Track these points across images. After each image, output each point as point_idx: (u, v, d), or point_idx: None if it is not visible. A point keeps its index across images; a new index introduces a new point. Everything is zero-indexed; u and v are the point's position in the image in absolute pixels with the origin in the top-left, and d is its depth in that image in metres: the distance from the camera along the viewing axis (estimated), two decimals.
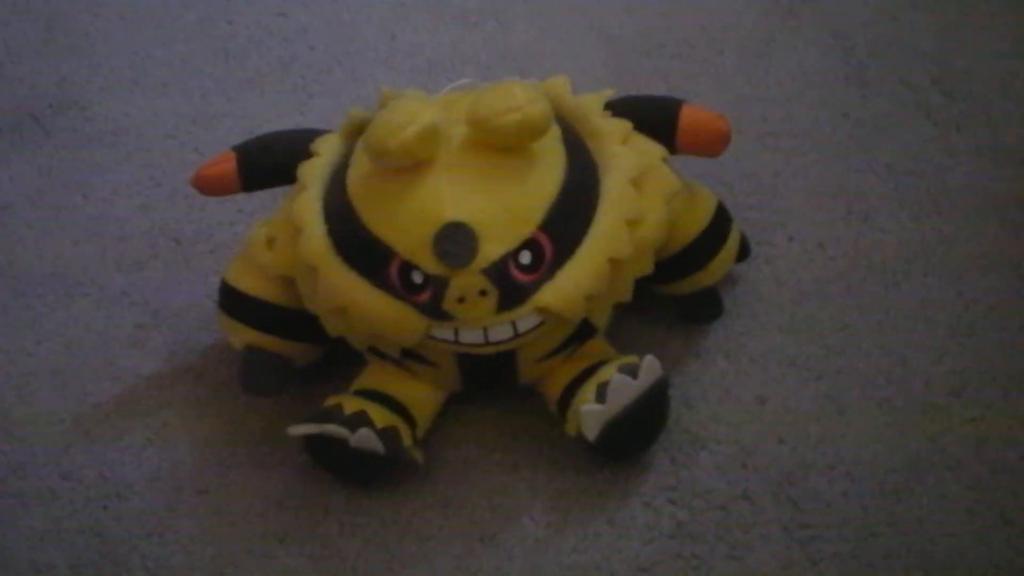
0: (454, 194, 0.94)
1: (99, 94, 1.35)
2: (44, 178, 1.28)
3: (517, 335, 0.96)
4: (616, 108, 1.03)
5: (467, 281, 0.93)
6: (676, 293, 1.08)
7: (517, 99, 0.94)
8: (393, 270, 0.95)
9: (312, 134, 1.06)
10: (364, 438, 0.97)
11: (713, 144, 1.04)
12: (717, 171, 1.17)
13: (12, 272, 1.20)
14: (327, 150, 1.03)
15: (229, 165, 1.06)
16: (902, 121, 1.25)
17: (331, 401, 1.01)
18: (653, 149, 1.02)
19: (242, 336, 1.04)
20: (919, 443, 1.02)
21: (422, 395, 1.02)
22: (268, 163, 1.06)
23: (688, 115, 1.04)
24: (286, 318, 1.03)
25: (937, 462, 1.00)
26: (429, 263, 0.93)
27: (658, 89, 1.29)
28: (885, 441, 1.02)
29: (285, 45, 1.39)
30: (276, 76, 1.35)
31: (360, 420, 0.98)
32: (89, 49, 1.40)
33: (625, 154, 0.99)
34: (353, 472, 1.01)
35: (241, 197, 1.17)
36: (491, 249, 0.93)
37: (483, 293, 0.93)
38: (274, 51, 1.38)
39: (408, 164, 0.94)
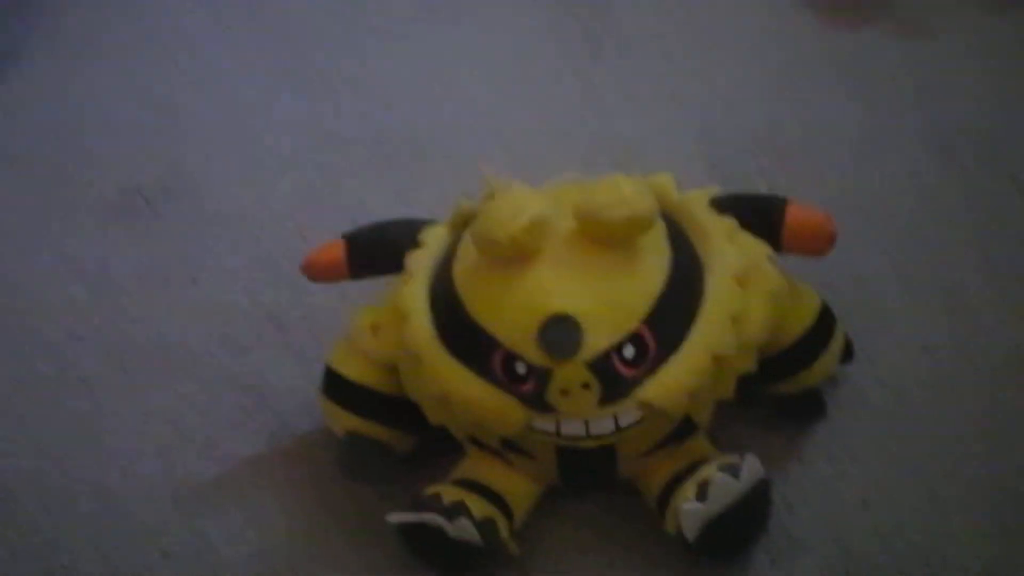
0: (560, 286, 0.94)
1: (208, 178, 1.38)
2: (153, 258, 1.31)
3: (618, 429, 0.95)
4: (721, 205, 1.04)
5: (571, 373, 0.93)
6: (779, 393, 1.07)
7: (624, 194, 0.94)
8: (496, 360, 0.95)
9: (420, 224, 1.07)
10: (462, 528, 0.97)
11: (819, 244, 1.04)
12: (819, 270, 1.16)
13: (119, 349, 1.22)
14: (434, 240, 1.05)
15: (338, 252, 1.08)
16: (1010, 222, 1.23)
17: (430, 490, 1.01)
18: (758, 247, 1.02)
19: (344, 422, 1.05)
20: None
21: (520, 487, 1.02)
22: (377, 251, 1.08)
23: (794, 214, 1.03)
24: (388, 405, 1.03)
25: None
26: (533, 354, 0.94)
27: (759, 186, 1.29)
28: (993, 547, 0.99)
29: (390, 135, 1.41)
30: (381, 166, 1.38)
31: (459, 510, 0.98)
32: (199, 134, 1.44)
33: (730, 251, 0.99)
34: (449, 562, 1.00)
35: (344, 284, 1.18)
36: (596, 342, 0.93)
37: (586, 386, 0.93)
38: (379, 141, 1.40)
39: (515, 255, 0.95)
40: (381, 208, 1.32)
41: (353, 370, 1.04)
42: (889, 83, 1.40)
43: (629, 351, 0.94)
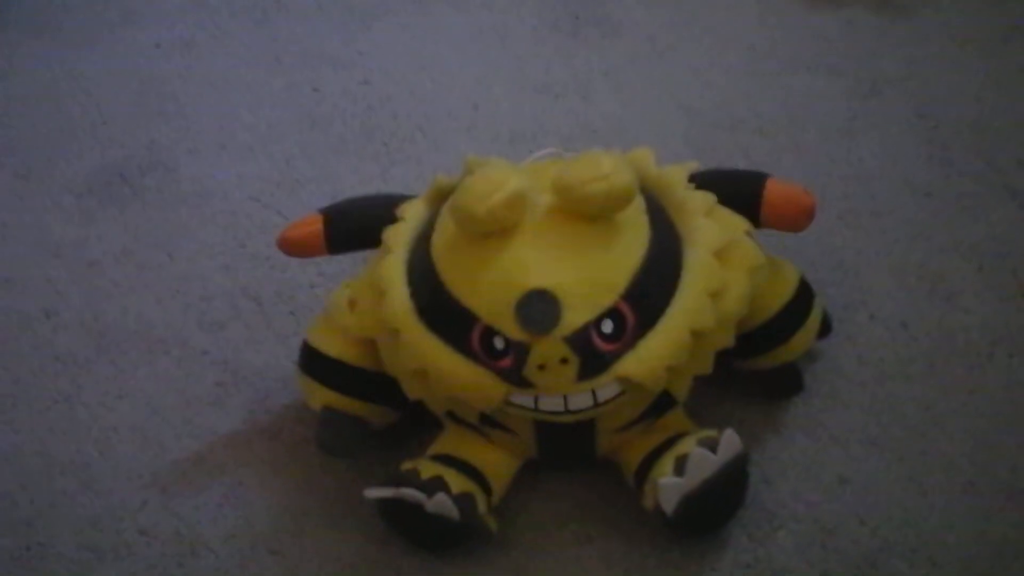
0: (538, 261, 0.94)
1: (187, 156, 1.38)
2: (130, 236, 1.30)
3: (597, 404, 0.95)
4: (700, 180, 1.03)
5: (549, 348, 0.93)
6: (757, 368, 1.07)
7: (603, 168, 0.94)
8: (475, 335, 0.95)
9: (397, 199, 1.07)
10: (440, 503, 0.97)
11: (798, 219, 1.04)
12: (799, 247, 1.17)
13: (97, 328, 1.22)
14: (412, 215, 1.04)
15: (315, 227, 1.07)
16: (987, 202, 1.24)
17: (407, 465, 1.00)
18: (737, 222, 1.01)
19: (321, 397, 1.04)
20: (1005, 529, 0.99)
21: (498, 462, 1.02)
22: (354, 226, 1.07)
23: (773, 189, 1.03)
24: (365, 380, 1.03)
25: None
26: (511, 329, 0.93)
27: (739, 164, 1.29)
28: (969, 526, 1.00)
29: (369, 113, 1.41)
30: (359, 143, 1.37)
31: (436, 485, 0.97)
32: (178, 113, 1.43)
33: (709, 226, 0.99)
34: (427, 537, 1.00)
35: (321, 260, 1.19)
36: (574, 317, 0.93)
37: (564, 361, 0.93)
38: (358, 118, 1.40)
39: (494, 230, 0.95)
40: (360, 186, 1.32)
41: (331, 345, 1.04)
42: (872, 63, 1.40)
43: (608, 326, 0.94)
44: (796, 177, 1.25)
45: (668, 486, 0.95)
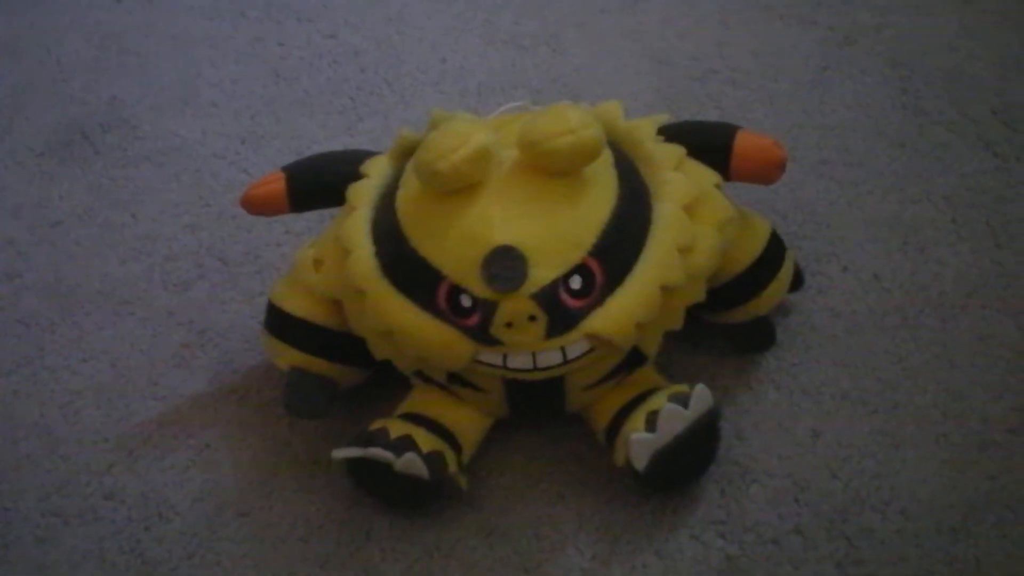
0: (504, 217, 0.93)
1: (149, 113, 1.35)
2: (93, 196, 1.28)
3: (566, 361, 0.94)
4: (670, 133, 1.02)
5: (516, 306, 0.92)
6: (728, 322, 1.06)
7: (570, 122, 0.92)
8: (441, 293, 0.94)
9: (362, 155, 1.05)
10: (409, 463, 0.96)
11: (768, 171, 1.02)
12: (770, 199, 1.16)
13: (60, 289, 1.20)
14: (377, 172, 1.02)
15: (278, 185, 1.05)
16: (961, 152, 1.23)
17: (376, 424, 0.99)
18: (707, 175, 1.00)
19: (287, 357, 1.03)
20: (977, 481, 0.99)
21: (468, 420, 1.01)
22: (317, 184, 1.05)
23: (743, 141, 1.02)
24: (332, 340, 1.02)
25: (997, 501, 0.97)
26: (478, 287, 0.92)
27: (711, 116, 1.28)
28: (942, 478, 1.00)
29: (335, 67, 1.38)
30: (326, 98, 1.35)
31: (405, 444, 0.96)
32: (141, 68, 1.40)
33: (678, 180, 0.98)
34: (397, 497, 0.99)
35: (288, 218, 1.17)
36: (541, 274, 0.92)
37: (532, 318, 0.92)
38: (324, 73, 1.38)
39: (458, 186, 0.93)
40: (326, 141, 1.30)
41: (296, 305, 1.02)
42: (845, 12, 1.38)
43: (576, 282, 0.93)
44: (769, 127, 1.24)
45: (639, 442, 0.94)
